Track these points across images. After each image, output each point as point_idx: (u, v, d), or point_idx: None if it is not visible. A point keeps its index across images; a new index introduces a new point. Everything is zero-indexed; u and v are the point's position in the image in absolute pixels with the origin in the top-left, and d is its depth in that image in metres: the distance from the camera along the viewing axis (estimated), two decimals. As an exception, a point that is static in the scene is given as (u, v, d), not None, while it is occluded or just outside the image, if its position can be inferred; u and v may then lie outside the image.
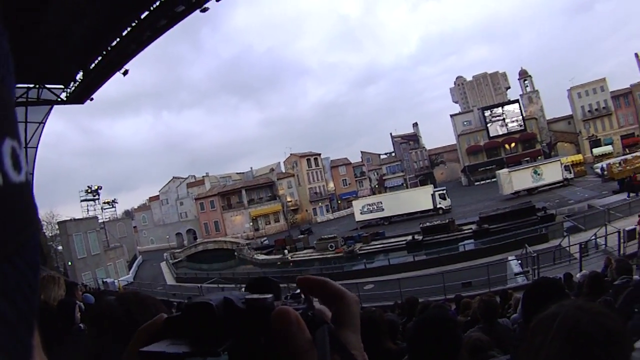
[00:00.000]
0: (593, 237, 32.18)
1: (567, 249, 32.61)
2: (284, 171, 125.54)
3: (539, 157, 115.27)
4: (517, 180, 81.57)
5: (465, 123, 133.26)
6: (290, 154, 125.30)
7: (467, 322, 9.93)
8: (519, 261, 33.03)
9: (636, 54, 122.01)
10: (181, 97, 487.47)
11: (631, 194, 53.54)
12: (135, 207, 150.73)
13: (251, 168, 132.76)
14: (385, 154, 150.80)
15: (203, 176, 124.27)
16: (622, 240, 27.66)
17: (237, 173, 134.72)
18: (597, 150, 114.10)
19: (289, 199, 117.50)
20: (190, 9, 26.02)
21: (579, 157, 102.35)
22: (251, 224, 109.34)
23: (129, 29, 26.58)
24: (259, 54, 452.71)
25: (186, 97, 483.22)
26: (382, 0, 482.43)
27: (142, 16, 25.81)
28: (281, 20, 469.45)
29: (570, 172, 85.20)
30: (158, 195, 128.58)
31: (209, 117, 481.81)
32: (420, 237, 57.47)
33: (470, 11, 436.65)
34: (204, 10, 26.24)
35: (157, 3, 24.91)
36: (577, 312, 1.66)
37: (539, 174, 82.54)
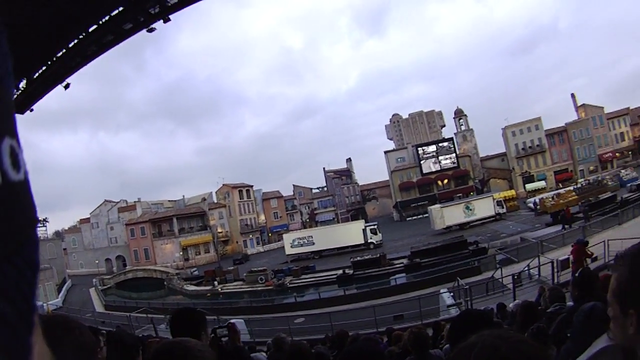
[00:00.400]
0: (526, 268, 32.73)
1: (500, 280, 32.87)
2: (215, 201, 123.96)
3: (472, 193, 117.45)
4: (449, 215, 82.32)
5: (398, 160, 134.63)
6: (223, 185, 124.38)
7: (398, 354, 10.02)
8: (452, 293, 32.90)
9: (572, 94, 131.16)
10: (119, 118, 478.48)
11: (566, 226, 54.53)
12: (66, 228, 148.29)
13: (183, 196, 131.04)
14: (318, 188, 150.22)
15: (135, 201, 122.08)
16: (555, 270, 28.17)
17: (169, 200, 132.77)
18: (530, 186, 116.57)
19: (219, 230, 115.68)
20: (138, 28, 25.82)
21: (511, 193, 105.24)
22: (181, 253, 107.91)
23: (75, 41, 26.04)
24: (200, 81, 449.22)
25: (124, 118, 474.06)
26: (326, 35, 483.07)
27: (90, 29, 25.35)
28: (225, 47, 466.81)
29: (503, 207, 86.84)
30: (89, 218, 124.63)
31: (144, 141, 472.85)
32: (351, 271, 57.05)
33: (410, 51, 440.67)
34: (151, 30, 26.14)
35: (107, 18, 24.55)
36: (496, 340, 1.54)
37: (471, 210, 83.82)
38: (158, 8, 24.94)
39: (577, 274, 8.31)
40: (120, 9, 24.56)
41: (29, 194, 0.67)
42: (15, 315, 0.59)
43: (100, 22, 24.77)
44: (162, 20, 25.25)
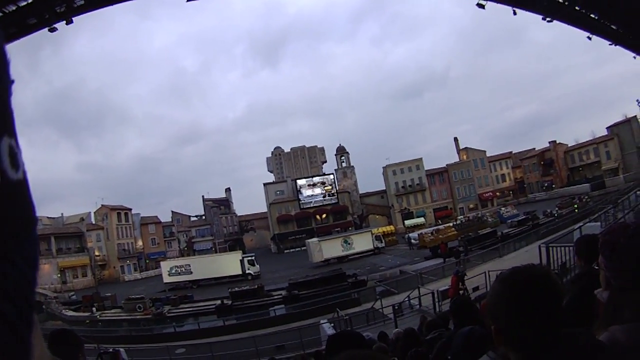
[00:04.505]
0: (407, 299, 33.37)
1: (381, 310, 33.39)
2: (94, 222, 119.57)
3: (350, 228, 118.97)
4: (327, 248, 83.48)
5: (277, 192, 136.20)
6: (102, 205, 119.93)
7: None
8: (332, 324, 32.69)
9: (455, 138, 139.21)
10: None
11: (446, 259, 56.81)
12: None
13: (62, 214, 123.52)
14: (196, 216, 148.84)
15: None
16: (436, 300, 28.85)
17: (48, 217, 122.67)
18: (409, 222, 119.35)
19: (97, 253, 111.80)
20: (41, 25, 25.42)
21: (390, 228, 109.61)
22: (59, 275, 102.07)
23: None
24: (90, 91, 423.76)
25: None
26: (221, 60, 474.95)
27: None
28: (120, 59, 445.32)
29: (382, 242, 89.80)
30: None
31: (28, 150, 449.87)
32: (230, 302, 56.30)
33: (301, 86, 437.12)
34: (53, 30, 25.83)
35: (13, 7, 23.83)
36: (349, 356, 1.78)
37: (349, 243, 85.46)
38: (64, 7, 24.59)
39: (451, 302, 9.55)
40: (29, 0, 24.02)
41: (27, 193, 0.68)
42: (15, 314, 0.60)
43: (6, 11, 23.98)
44: (64, 21, 24.68)
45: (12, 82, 0.70)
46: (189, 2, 30.28)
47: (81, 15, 25.71)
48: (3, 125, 0.64)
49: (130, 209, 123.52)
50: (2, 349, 0.57)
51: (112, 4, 28.40)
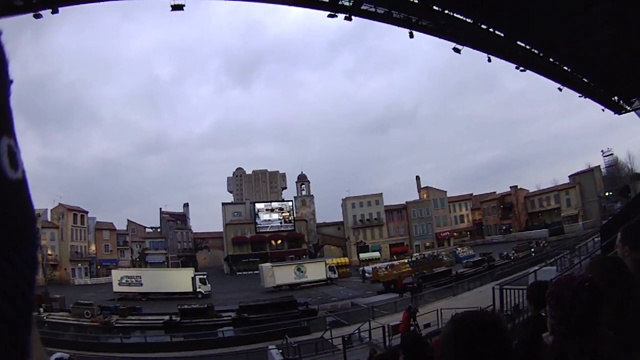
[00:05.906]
0: (357, 331, 33.11)
1: (330, 341, 33.12)
2: (49, 220, 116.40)
3: (305, 256, 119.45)
4: (280, 274, 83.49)
5: (235, 214, 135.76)
6: (59, 204, 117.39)
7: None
8: (280, 350, 32.20)
9: (417, 177, 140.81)
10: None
11: (403, 294, 56.29)
12: None
13: None
14: (151, 228, 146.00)
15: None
16: (387, 334, 28.64)
17: None
18: (364, 255, 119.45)
19: (49, 252, 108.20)
20: (28, 8, 24.79)
21: (345, 260, 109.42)
22: None
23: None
24: (62, 84, 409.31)
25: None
26: (195, 73, 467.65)
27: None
28: (97, 57, 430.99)
29: (335, 273, 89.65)
30: None
31: None
32: (178, 319, 55.69)
33: (270, 109, 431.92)
34: (38, 16, 25.21)
35: None
36: None
37: (302, 271, 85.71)
38: (53, -6, 24.19)
39: (402, 337, 8.85)
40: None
41: (26, 193, 0.68)
42: (15, 314, 0.60)
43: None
44: (50, 10, 24.66)
45: (11, 82, 0.70)
46: (173, 11, 30.15)
47: (68, 7, 25.50)
48: (2, 125, 0.64)
49: (87, 212, 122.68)
50: (1, 349, 0.58)
51: (100, 0, 28.14)
